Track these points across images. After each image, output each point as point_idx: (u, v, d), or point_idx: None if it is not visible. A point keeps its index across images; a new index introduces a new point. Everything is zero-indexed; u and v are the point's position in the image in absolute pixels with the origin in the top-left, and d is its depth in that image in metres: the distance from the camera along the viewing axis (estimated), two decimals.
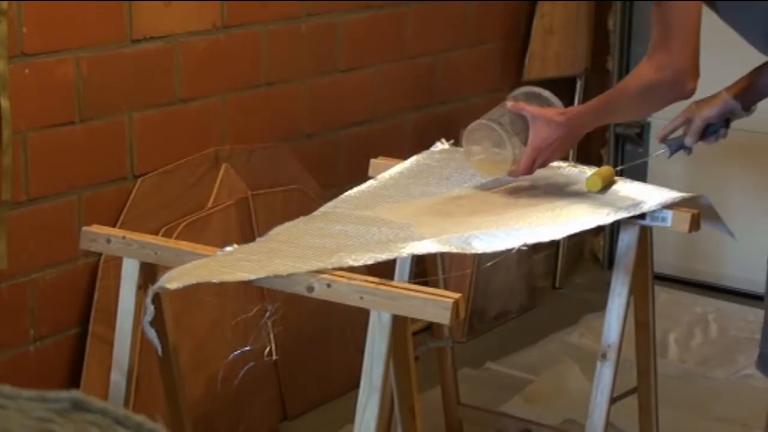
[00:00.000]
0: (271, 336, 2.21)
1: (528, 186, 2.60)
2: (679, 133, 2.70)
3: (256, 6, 3.17)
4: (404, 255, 2.29)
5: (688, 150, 2.68)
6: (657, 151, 2.75)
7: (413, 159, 2.74)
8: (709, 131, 2.65)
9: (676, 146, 2.69)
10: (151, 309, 2.20)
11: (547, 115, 2.51)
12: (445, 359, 2.97)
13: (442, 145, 2.83)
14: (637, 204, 2.46)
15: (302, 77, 3.36)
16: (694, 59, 2.35)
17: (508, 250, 2.30)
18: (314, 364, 3.33)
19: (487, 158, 2.58)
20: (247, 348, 2.51)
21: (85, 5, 2.76)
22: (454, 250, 2.27)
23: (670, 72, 2.35)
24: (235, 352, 2.62)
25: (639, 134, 4.38)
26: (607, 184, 2.57)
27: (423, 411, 2.24)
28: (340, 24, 3.43)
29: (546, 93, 2.62)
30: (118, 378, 2.38)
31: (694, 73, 2.36)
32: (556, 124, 2.51)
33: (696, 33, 2.35)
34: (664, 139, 2.70)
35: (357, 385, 2.10)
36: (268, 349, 2.21)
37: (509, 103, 2.55)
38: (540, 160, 2.53)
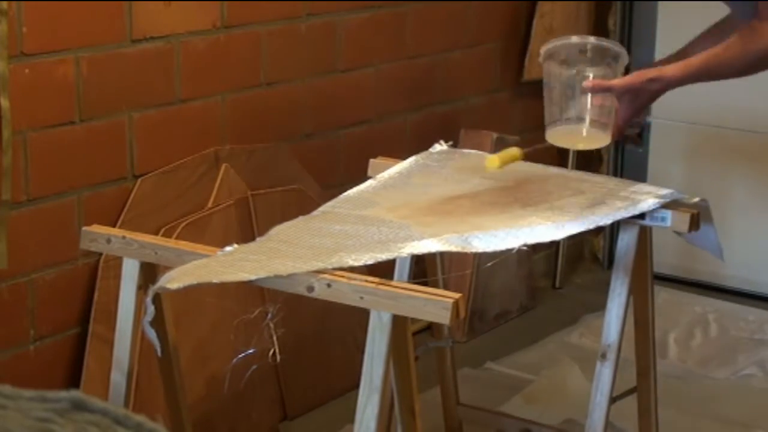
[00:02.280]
0: (275, 339, 2.21)
1: (528, 186, 2.60)
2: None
3: (256, 6, 3.17)
4: (404, 255, 2.29)
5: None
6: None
7: (412, 159, 2.74)
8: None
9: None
10: (151, 309, 2.20)
11: (635, 87, 2.47)
12: (444, 359, 2.97)
13: (440, 147, 2.83)
14: (636, 204, 2.46)
15: (302, 77, 3.36)
16: None
17: (508, 250, 2.30)
18: (314, 364, 3.33)
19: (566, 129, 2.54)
20: (250, 351, 2.51)
21: (85, 5, 2.76)
22: (454, 250, 2.27)
23: None
24: (239, 356, 2.62)
25: (639, 134, 4.37)
26: (508, 162, 2.55)
27: (423, 411, 2.24)
28: (340, 24, 3.43)
29: (613, 45, 2.53)
30: (118, 378, 2.38)
31: None
32: (649, 94, 2.48)
33: None
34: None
35: (357, 385, 2.10)
36: (272, 351, 2.21)
37: (587, 83, 2.46)
38: (630, 127, 2.53)
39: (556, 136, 2.53)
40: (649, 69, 2.50)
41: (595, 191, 2.55)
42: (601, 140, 2.53)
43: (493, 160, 2.53)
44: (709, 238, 2.56)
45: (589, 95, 2.45)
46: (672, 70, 2.49)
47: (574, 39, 2.54)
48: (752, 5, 2.42)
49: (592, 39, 2.54)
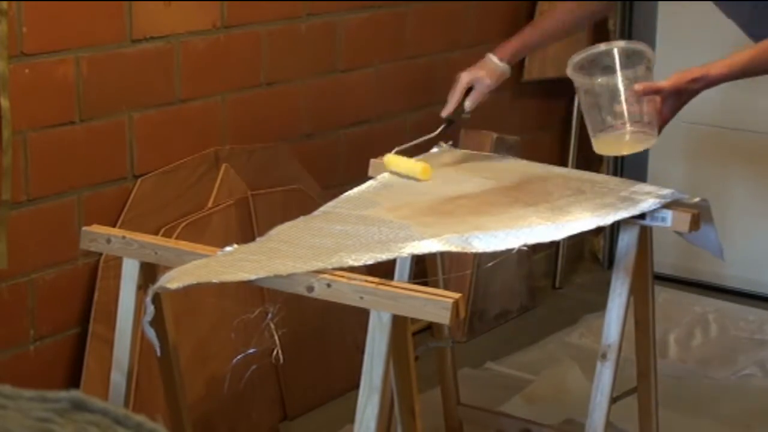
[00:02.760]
0: (277, 339, 2.21)
1: (528, 186, 2.60)
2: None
3: (256, 6, 3.17)
4: (404, 255, 2.29)
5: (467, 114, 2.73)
6: (439, 130, 2.78)
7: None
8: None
9: (457, 113, 2.72)
10: (151, 309, 2.20)
11: (682, 87, 2.49)
12: (444, 359, 2.97)
13: (442, 147, 2.83)
14: (636, 204, 2.46)
15: (302, 77, 3.36)
16: None
17: (509, 250, 2.31)
18: (314, 364, 3.33)
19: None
20: (251, 351, 2.51)
21: (85, 5, 2.76)
22: (454, 250, 2.27)
23: None
24: (239, 356, 2.62)
25: None
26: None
27: (423, 411, 2.24)
28: (340, 24, 3.43)
29: (640, 45, 2.55)
30: (118, 378, 2.38)
31: None
32: (692, 93, 2.51)
33: None
34: (452, 115, 2.75)
35: (357, 385, 2.10)
36: (275, 352, 2.21)
37: (638, 87, 2.47)
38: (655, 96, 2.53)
39: (603, 145, 2.55)
40: (694, 68, 2.52)
41: (595, 191, 2.55)
42: (646, 142, 2.55)
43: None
44: (710, 238, 2.56)
45: (627, 99, 2.47)
46: (717, 68, 2.51)
47: (602, 46, 2.56)
48: None
49: (620, 43, 2.56)
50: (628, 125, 2.49)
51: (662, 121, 2.53)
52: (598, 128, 2.53)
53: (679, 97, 2.51)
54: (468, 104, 2.75)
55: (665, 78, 2.49)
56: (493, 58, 2.75)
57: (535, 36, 2.80)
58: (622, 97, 2.49)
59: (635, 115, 2.50)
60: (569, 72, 2.55)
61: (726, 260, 2.75)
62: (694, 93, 2.52)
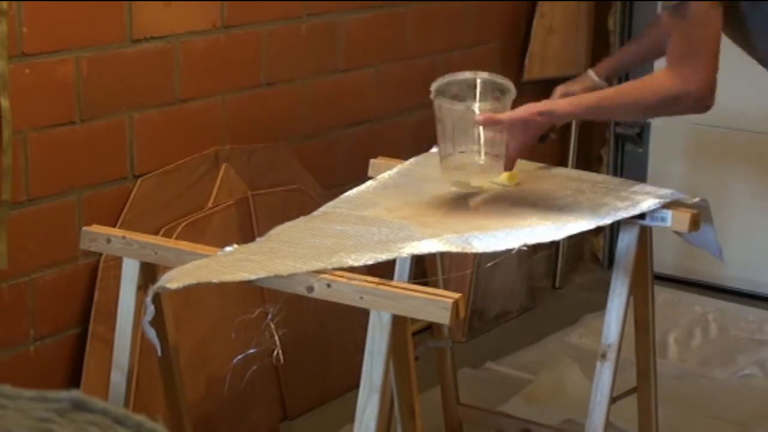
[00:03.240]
0: (277, 339, 2.21)
1: (528, 186, 2.60)
2: None
3: (256, 6, 3.17)
4: (404, 255, 2.29)
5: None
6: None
7: (412, 160, 2.74)
8: None
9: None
10: (151, 309, 2.20)
11: (524, 119, 2.49)
12: (444, 359, 2.97)
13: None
14: (636, 204, 2.46)
15: (302, 77, 3.36)
16: (715, 77, 2.38)
17: (508, 251, 2.31)
18: (314, 364, 3.33)
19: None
20: (251, 351, 2.51)
21: (85, 5, 2.76)
22: (454, 250, 2.27)
23: (696, 85, 2.37)
24: (239, 356, 2.62)
25: (639, 134, 4.38)
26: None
27: (423, 411, 2.24)
28: (340, 24, 3.43)
29: (499, 79, 2.55)
30: (118, 378, 2.38)
31: (714, 89, 2.40)
32: (538, 125, 2.51)
33: (718, 50, 2.38)
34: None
35: (357, 385, 2.10)
36: (275, 352, 2.21)
37: (478, 117, 2.47)
38: (523, 156, 2.56)
39: (450, 172, 2.54)
40: (540, 102, 2.53)
41: (595, 191, 2.55)
42: (494, 173, 2.54)
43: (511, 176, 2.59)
44: (709, 238, 2.56)
45: (481, 129, 2.47)
46: (563, 106, 2.54)
47: (466, 74, 2.57)
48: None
49: (483, 74, 2.56)
50: (481, 154, 2.50)
51: (511, 152, 2.50)
52: (447, 153, 2.52)
53: (525, 128, 2.50)
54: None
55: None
56: (591, 74, 2.77)
57: (632, 54, 2.85)
58: (463, 130, 2.49)
59: (488, 144, 2.49)
60: (432, 95, 2.56)
61: (725, 260, 2.76)
62: (543, 126, 2.52)
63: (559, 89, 2.73)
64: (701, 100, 2.40)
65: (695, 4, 2.34)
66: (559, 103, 2.57)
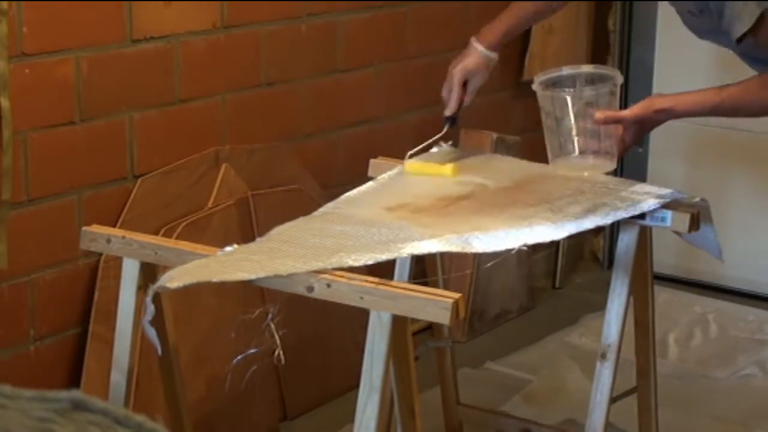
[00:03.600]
0: (278, 339, 2.21)
1: (528, 186, 2.60)
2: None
3: (256, 6, 3.17)
4: (404, 255, 2.29)
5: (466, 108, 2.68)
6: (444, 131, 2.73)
7: (412, 161, 2.74)
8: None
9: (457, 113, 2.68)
10: (151, 308, 2.20)
11: (646, 116, 2.48)
12: (444, 359, 2.97)
13: (441, 147, 2.83)
14: (636, 204, 2.46)
15: (302, 77, 3.36)
16: None
17: (508, 251, 2.31)
18: (314, 364, 3.33)
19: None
20: (251, 351, 2.51)
21: (85, 5, 2.76)
22: (454, 250, 2.27)
23: None
24: (238, 357, 2.62)
25: None
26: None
27: (423, 411, 2.24)
28: (340, 24, 3.43)
29: (606, 70, 2.55)
30: (118, 378, 2.38)
31: None
32: (654, 123, 2.49)
33: None
34: (454, 114, 2.71)
35: (357, 385, 2.10)
36: (276, 352, 2.21)
37: (599, 116, 2.48)
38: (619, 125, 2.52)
39: (562, 167, 2.56)
40: (661, 98, 2.51)
41: (595, 191, 2.55)
42: (605, 167, 2.56)
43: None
44: (709, 238, 2.56)
45: (585, 128, 2.47)
46: (684, 105, 2.50)
47: (566, 69, 2.57)
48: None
49: (587, 67, 2.57)
50: (584, 156, 2.51)
51: (623, 149, 2.53)
52: (555, 153, 2.54)
53: (642, 126, 2.51)
54: (467, 100, 2.74)
55: (637, 101, 2.51)
56: (479, 48, 2.72)
57: (513, 20, 2.78)
58: (574, 128, 2.50)
59: (600, 141, 2.51)
60: (535, 86, 2.56)
61: (725, 261, 2.75)
62: (658, 123, 2.51)
63: (456, 71, 2.69)
64: None
65: None
66: (680, 101, 2.51)
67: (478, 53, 2.71)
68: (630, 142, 2.52)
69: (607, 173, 2.61)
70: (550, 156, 2.58)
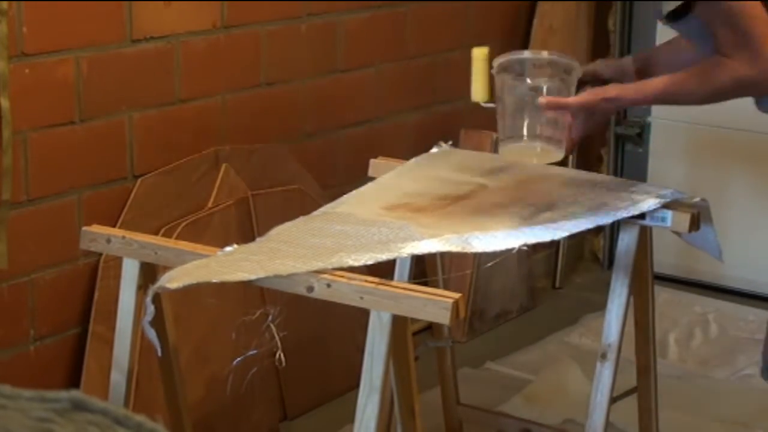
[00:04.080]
0: (278, 340, 2.21)
1: (528, 186, 2.60)
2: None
3: (256, 6, 3.17)
4: (404, 255, 2.29)
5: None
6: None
7: (413, 161, 2.74)
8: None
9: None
10: (151, 309, 2.20)
11: (591, 105, 2.44)
12: (444, 359, 2.97)
13: (441, 147, 2.83)
14: (636, 203, 2.46)
15: (302, 77, 3.36)
16: None
17: (508, 250, 2.31)
18: (314, 364, 3.33)
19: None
20: (252, 352, 2.50)
21: (85, 5, 2.76)
22: (454, 250, 2.27)
23: (762, 68, 2.29)
24: (239, 358, 2.62)
25: (639, 134, 4.38)
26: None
27: (423, 411, 2.24)
28: (340, 24, 3.43)
29: (564, 59, 2.51)
30: (118, 378, 2.38)
31: None
32: (603, 111, 2.46)
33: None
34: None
35: (357, 385, 2.10)
36: (277, 354, 2.20)
37: (542, 100, 2.44)
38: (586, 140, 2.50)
39: (510, 151, 2.55)
40: (607, 87, 2.47)
41: (595, 191, 2.55)
42: (554, 155, 2.54)
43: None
44: (708, 238, 2.56)
45: (531, 112, 2.45)
46: (630, 93, 2.46)
47: (527, 53, 2.55)
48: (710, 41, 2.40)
49: (545, 54, 2.54)
50: (540, 136, 2.48)
51: (574, 136, 2.49)
52: (508, 133, 2.53)
53: (591, 114, 2.47)
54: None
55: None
56: (628, 62, 2.65)
57: (668, 53, 2.67)
58: (526, 110, 2.48)
59: (550, 127, 2.49)
60: (494, 71, 2.54)
61: (724, 261, 2.75)
62: (608, 112, 2.49)
63: (599, 63, 2.63)
64: None
65: None
66: (626, 89, 2.48)
67: (622, 66, 2.64)
68: (578, 131, 2.48)
69: (557, 163, 2.56)
70: (500, 138, 2.55)
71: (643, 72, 2.62)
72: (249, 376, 2.81)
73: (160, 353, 2.34)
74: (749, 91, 2.37)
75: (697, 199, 2.49)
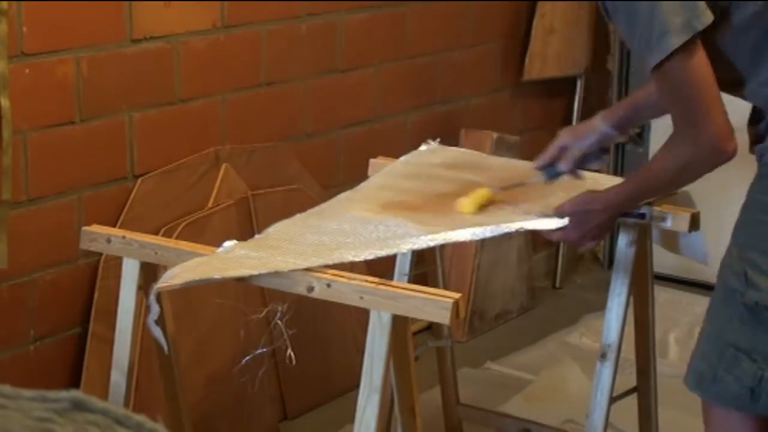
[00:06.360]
0: (287, 338, 2.20)
1: (523, 185, 2.60)
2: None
3: (256, 6, 3.17)
4: (403, 251, 2.30)
5: (566, 173, 2.54)
6: (533, 177, 2.57)
7: (402, 159, 2.74)
8: (587, 159, 2.52)
9: (554, 173, 2.53)
10: (155, 308, 2.20)
11: (582, 208, 2.37)
12: (444, 359, 2.97)
13: (429, 145, 2.83)
14: None
15: (302, 77, 3.36)
16: (725, 120, 2.18)
17: (506, 234, 2.33)
18: (314, 364, 3.33)
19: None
20: (263, 350, 2.50)
21: (85, 5, 2.76)
22: (453, 240, 2.29)
23: (708, 143, 2.19)
24: (248, 357, 2.61)
25: (639, 134, 4.38)
26: (484, 205, 2.47)
27: (423, 411, 2.24)
28: (340, 24, 3.43)
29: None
30: (118, 378, 2.38)
31: (730, 132, 2.20)
32: (594, 212, 2.36)
33: (715, 92, 2.15)
34: (541, 168, 2.55)
35: (357, 385, 2.10)
36: (288, 352, 2.20)
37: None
38: (586, 245, 2.41)
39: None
40: (592, 197, 2.37)
41: (586, 187, 2.55)
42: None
43: (466, 205, 2.45)
44: (695, 242, 2.58)
45: None
46: (612, 202, 2.35)
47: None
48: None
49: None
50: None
51: (570, 239, 2.41)
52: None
53: (584, 217, 2.36)
54: (562, 166, 2.53)
55: None
56: (599, 122, 2.55)
57: (632, 101, 2.58)
58: None
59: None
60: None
61: (709, 263, 2.73)
62: (604, 215, 2.35)
63: (563, 133, 2.56)
64: (719, 154, 2.22)
65: (673, 65, 2.10)
66: (610, 199, 2.36)
67: (592, 123, 2.56)
68: (573, 234, 2.39)
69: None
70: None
71: (628, 121, 2.54)
72: (249, 376, 2.80)
73: (167, 351, 2.34)
74: (701, 168, 2.26)
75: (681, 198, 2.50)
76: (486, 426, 3.13)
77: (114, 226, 2.80)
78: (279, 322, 2.21)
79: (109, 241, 2.36)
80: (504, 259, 3.95)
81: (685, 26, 2.08)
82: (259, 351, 2.49)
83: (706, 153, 2.21)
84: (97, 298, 2.86)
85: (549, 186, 2.55)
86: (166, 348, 2.31)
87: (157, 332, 2.24)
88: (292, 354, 2.20)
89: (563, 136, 2.55)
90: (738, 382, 2.19)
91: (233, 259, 2.19)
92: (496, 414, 3.16)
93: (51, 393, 1.25)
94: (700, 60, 2.12)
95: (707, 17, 2.09)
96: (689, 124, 2.17)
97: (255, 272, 2.13)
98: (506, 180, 2.59)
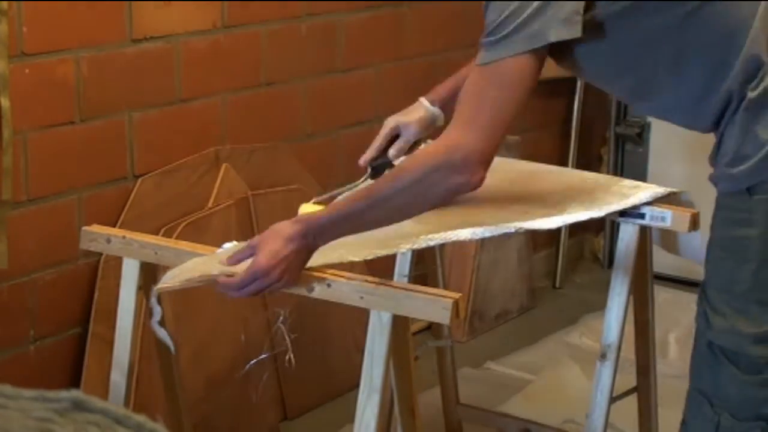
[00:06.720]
0: (288, 342, 2.20)
1: (524, 183, 2.60)
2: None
3: (256, 6, 3.17)
4: (403, 250, 2.30)
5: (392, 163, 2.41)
6: (365, 177, 2.46)
7: (402, 159, 2.74)
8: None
9: (383, 164, 2.44)
10: (158, 309, 2.20)
11: (275, 228, 2.07)
12: (444, 359, 2.97)
13: (427, 144, 2.83)
14: (628, 197, 2.47)
15: (302, 77, 3.36)
16: (493, 149, 1.95)
17: (507, 234, 2.33)
18: (314, 364, 3.33)
19: None
20: (265, 355, 2.50)
21: (85, 5, 2.76)
22: (452, 239, 2.29)
23: (462, 153, 1.94)
24: (252, 361, 2.61)
25: (639, 134, 4.38)
26: None
27: (423, 411, 2.24)
28: (340, 24, 3.43)
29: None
30: (118, 378, 2.38)
31: (488, 163, 1.96)
32: (287, 238, 2.04)
33: (513, 114, 1.95)
34: (371, 161, 2.44)
35: (357, 385, 2.10)
36: (288, 356, 2.20)
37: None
38: (262, 283, 2.04)
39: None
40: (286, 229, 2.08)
41: (586, 187, 2.55)
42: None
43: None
44: (694, 243, 2.58)
45: None
46: (318, 214, 2.13)
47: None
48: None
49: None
50: None
51: (251, 266, 2.06)
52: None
53: (274, 239, 2.06)
54: (392, 153, 2.43)
55: None
56: (424, 103, 2.49)
57: (461, 82, 2.20)
58: None
59: None
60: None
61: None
62: (299, 242, 2.05)
63: (390, 120, 2.46)
64: (466, 172, 1.95)
65: (509, 65, 1.95)
66: (311, 223, 2.08)
67: (419, 106, 2.49)
68: (256, 260, 2.05)
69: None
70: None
71: (450, 100, 2.36)
72: (249, 375, 2.80)
73: (173, 351, 2.34)
74: (435, 182, 1.99)
75: (674, 190, 2.50)
76: (486, 426, 3.13)
77: (114, 226, 2.80)
78: (281, 326, 2.21)
79: (109, 241, 2.36)
80: (504, 259, 3.95)
81: (539, 34, 1.94)
82: (262, 356, 2.49)
83: (456, 163, 1.94)
84: (97, 298, 2.86)
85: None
86: (173, 348, 2.31)
87: (161, 333, 2.24)
88: (292, 358, 2.20)
89: (388, 123, 2.44)
90: (701, 428, 2.13)
91: None
92: (496, 414, 3.16)
93: (51, 393, 1.25)
94: (534, 74, 1.95)
95: (570, 32, 1.92)
96: (468, 122, 1.95)
97: None
98: (505, 180, 2.59)
